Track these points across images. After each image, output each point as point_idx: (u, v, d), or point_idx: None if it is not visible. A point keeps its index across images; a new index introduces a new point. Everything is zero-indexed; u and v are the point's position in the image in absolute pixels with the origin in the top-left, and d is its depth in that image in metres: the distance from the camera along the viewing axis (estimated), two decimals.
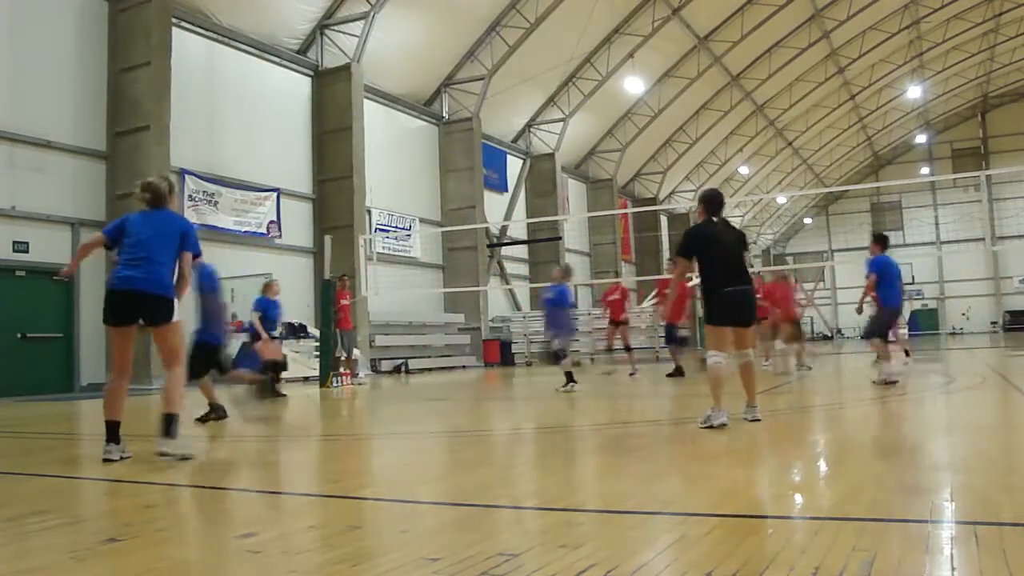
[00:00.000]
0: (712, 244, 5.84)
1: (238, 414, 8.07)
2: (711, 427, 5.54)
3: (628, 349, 13.94)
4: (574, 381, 10.31)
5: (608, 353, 15.72)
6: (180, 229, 5.21)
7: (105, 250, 5.38)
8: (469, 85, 25.09)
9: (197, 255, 5.31)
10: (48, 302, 14.61)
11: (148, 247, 5.04)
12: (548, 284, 11.29)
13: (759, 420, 5.78)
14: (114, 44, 15.88)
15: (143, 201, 5.23)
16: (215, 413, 7.56)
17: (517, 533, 3.05)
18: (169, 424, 4.87)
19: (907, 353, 14.37)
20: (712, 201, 5.99)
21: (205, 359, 7.68)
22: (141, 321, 5.04)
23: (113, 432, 4.93)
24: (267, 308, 10.85)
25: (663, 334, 15.90)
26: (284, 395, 11.01)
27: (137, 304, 4.99)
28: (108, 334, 5.11)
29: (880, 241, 9.87)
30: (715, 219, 5.96)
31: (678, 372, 12.37)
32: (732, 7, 29.20)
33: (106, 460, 4.86)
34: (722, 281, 5.76)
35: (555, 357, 10.79)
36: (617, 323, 13.85)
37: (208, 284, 8.07)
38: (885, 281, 9.52)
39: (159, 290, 5.00)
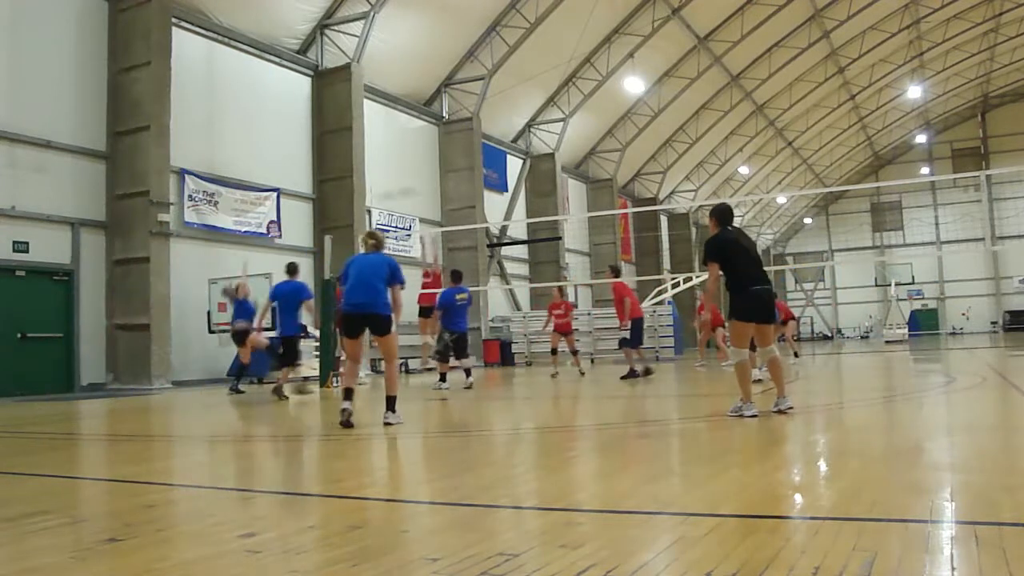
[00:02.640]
0: (734, 249, 6.47)
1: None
2: (741, 416, 6.10)
3: (574, 352, 16.57)
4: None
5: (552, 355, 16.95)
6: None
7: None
8: (469, 85, 25.09)
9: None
10: (48, 302, 14.62)
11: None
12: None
13: (792, 408, 6.34)
14: (114, 44, 15.88)
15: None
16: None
17: (517, 533, 3.05)
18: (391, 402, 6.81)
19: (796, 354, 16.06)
20: (724, 213, 6.74)
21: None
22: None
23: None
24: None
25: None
26: (286, 397, 11.15)
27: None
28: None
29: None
30: (730, 228, 6.66)
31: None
32: (732, 7, 29.21)
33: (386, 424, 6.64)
34: (747, 281, 6.34)
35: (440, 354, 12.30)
36: (563, 333, 15.83)
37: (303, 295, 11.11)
38: None
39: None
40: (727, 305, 6.84)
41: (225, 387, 13.57)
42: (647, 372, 13.10)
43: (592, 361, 23.21)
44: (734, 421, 6.21)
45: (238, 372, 13.05)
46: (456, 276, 12.42)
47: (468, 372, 12.39)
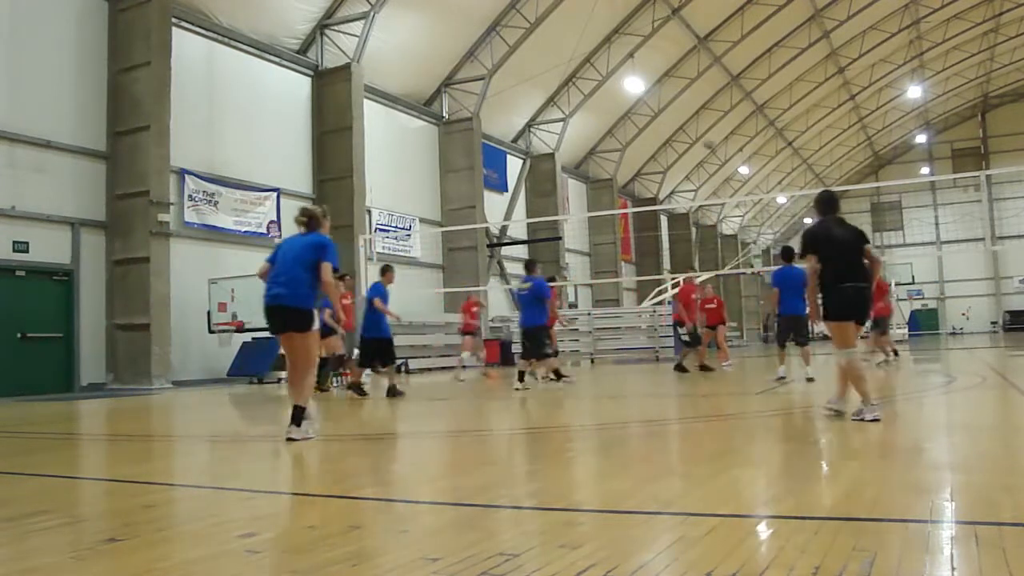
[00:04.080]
0: (825, 241, 5.96)
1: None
2: (862, 420, 5.61)
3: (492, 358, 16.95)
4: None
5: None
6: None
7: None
8: (469, 85, 25.09)
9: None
10: (48, 302, 14.62)
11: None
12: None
13: (878, 420, 5.72)
14: (114, 44, 15.88)
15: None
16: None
17: (517, 533, 3.05)
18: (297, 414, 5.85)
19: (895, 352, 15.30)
20: (821, 202, 6.22)
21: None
22: None
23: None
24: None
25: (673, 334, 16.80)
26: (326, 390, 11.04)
27: None
28: None
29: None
30: (828, 217, 6.12)
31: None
32: (732, 7, 29.20)
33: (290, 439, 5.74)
34: (835, 277, 5.86)
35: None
36: (470, 333, 16.21)
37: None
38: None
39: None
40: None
41: (224, 387, 13.56)
42: (705, 368, 13.57)
43: (592, 361, 23.21)
44: (734, 421, 6.21)
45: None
46: (528, 266, 11.79)
47: (557, 374, 11.55)
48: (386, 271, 11.10)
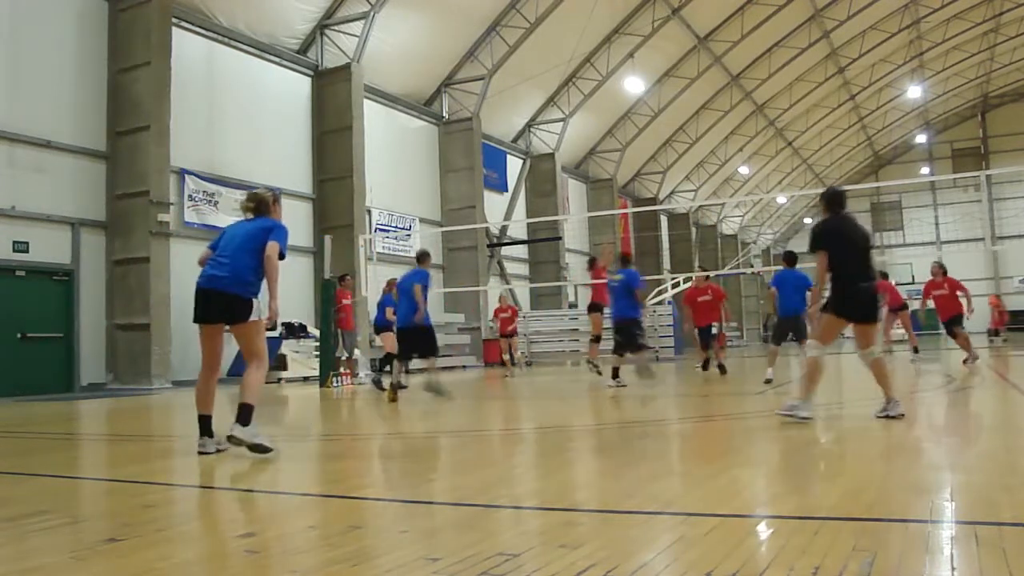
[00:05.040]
0: (838, 237, 5.85)
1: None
2: (793, 416, 5.61)
3: (511, 358, 17.33)
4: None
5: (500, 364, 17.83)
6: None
7: None
8: (469, 85, 25.09)
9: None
10: (48, 302, 14.61)
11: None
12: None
13: (903, 415, 5.75)
14: (114, 44, 15.88)
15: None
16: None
17: (517, 533, 3.05)
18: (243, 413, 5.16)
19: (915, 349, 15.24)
20: (831, 198, 6.07)
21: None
22: None
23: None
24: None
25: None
26: (403, 386, 10.45)
27: None
28: None
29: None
30: (839, 214, 5.99)
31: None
32: (732, 7, 29.20)
33: (201, 452, 5.27)
34: (847, 274, 5.75)
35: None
36: (506, 336, 16.84)
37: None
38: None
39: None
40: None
41: (224, 387, 13.54)
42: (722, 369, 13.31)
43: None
44: (734, 421, 6.21)
45: (380, 365, 12.51)
46: (622, 259, 11.50)
47: (644, 370, 10.93)
48: (425, 258, 10.56)
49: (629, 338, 10.75)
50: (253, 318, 5.23)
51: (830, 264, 5.81)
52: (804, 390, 5.75)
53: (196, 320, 5.34)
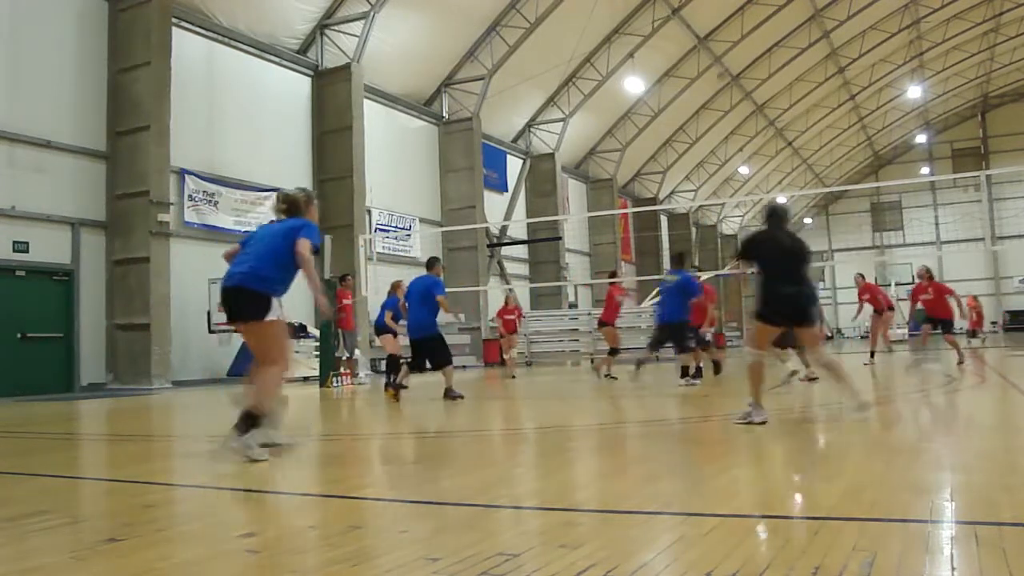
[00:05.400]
0: (768, 246, 6.04)
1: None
2: (751, 423, 5.62)
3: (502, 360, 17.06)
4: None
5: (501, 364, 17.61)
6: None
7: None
8: (469, 85, 25.09)
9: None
10: (48, 302, 14.62)
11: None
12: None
13: (864, 415, 5.90)
14: (114, 44, 15.88)
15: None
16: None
17: (517, 533, 3.05)
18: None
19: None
20: (769, 213, 6.27)
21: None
22: None
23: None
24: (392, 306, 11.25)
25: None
26: (403, 386, 10.09)
27: None
28: None
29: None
30: (774, 226, 6.18)
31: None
32: (732, 7, 29.21)
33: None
34: (774, 280, 5.91)
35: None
36: (511, 334, 16.44)
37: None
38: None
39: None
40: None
41: (223, 387, 13.55)
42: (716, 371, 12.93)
43: (592, 361, 23.20)
44: (725, 422, 6.21)
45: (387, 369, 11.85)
46: (677, 258, 11.21)
47: (690, 372, 10.52)
48: (435, 264, 10.03)
49: (679, 340, 10.47)
50: (270, 317, 4.93)
51: (760, 272, 6.00)
52: (752, 395, 5.80)
53: (228, 322, 5.20)
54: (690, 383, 10.40)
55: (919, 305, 13.59)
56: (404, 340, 10.46)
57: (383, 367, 10.82)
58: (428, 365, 9.68)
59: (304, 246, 4.97)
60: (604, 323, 13.33)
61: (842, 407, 7.53)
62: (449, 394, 9.40)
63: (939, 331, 13.41)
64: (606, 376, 12.69)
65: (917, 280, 13.58)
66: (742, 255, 6.20)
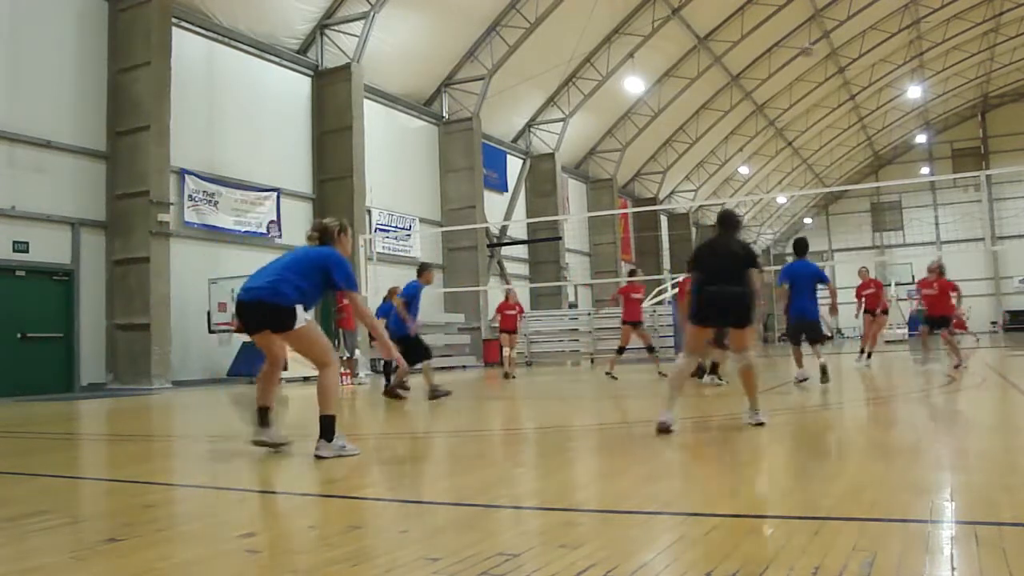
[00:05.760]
0: (703, 253, 6.06)
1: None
2: (668, 431, 5.41)
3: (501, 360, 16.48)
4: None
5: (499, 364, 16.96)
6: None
7: None
8: (469, 85, 25.09)
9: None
10: (48, 302, 14.62)
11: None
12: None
13: (762, 424, 5.66)
14: (114, 44, 15.88)
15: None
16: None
17: (517, 533, 3.05)
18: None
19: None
20: (718, 219, 6.22)
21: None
22: None
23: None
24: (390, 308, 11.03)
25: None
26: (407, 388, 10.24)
27: None
28: None
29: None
30: (720, 233, 6.10)
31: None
32: (732, 7, 29.21)
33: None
34: (703, 282, 5.83)
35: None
36: (511, 332, 15.76)
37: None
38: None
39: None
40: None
41: (223, 387, 13.55)
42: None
43: (592, 361, 23.21)
44: (734, 420, 6.21)
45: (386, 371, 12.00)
46: (800, 245, 10.25)
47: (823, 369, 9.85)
48: (422, 271, 10.26)
49: (815, 334, 9.90)
50: (299, 324, 4.95)
51: (697, 278, 5.95)
52: (666, 399, 5.70)
53: (247, 332, 5.25)
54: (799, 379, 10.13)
55: (920, 303, 13.30)
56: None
57: (381, 367, 10.83)
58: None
59: (353, 299, 5.16)
60: (635, 323, 13.25)
61: (841, 407, 7.54)
62: (431, 395, 9.43)
63: (936, 331, 13.19)
64: (607, 374, 12.86)
65: (927, 273, 13.08)
66: (689, 268, 6.20)
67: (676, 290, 16.76)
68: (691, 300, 5.94)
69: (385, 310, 11.49)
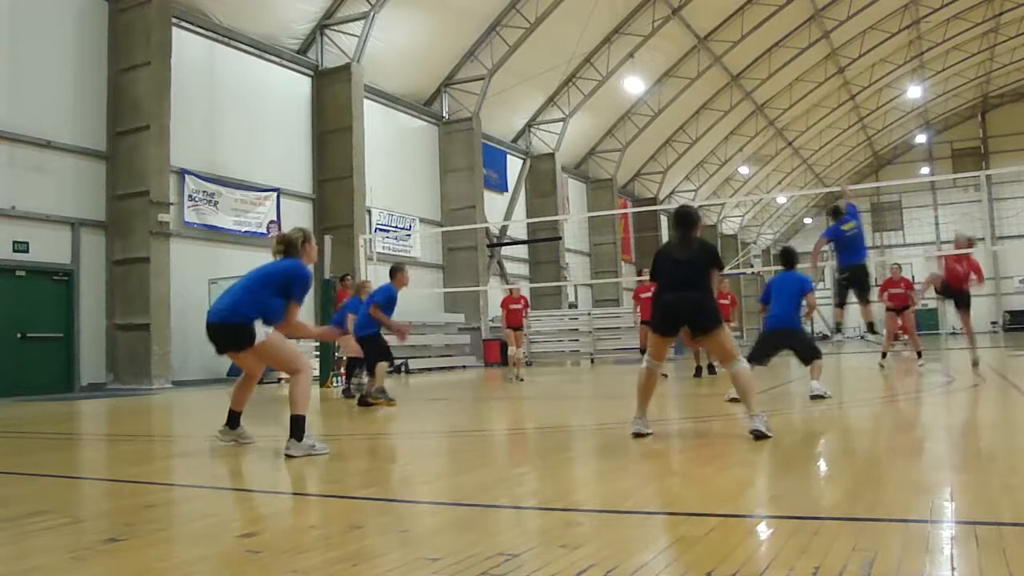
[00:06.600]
0: (663, 258, 5.70)
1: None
2: (638, 435, 5.30)
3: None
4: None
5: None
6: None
7: None
8: (469, 85, 25.10)
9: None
10: (48, 302, 14.62)
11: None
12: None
13: (760, 432, 5.13)
14: (114, 44, 15.89)
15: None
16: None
17: (517, 533, 3.05)
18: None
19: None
20: (676, 219, 5.81)
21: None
22: None
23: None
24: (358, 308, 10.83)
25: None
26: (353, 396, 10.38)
27: None
28: None
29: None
30: (681, 234, 5.70)
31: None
32: (732, 7, 29.21)
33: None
34: (660, 289, 5.62)
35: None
36: (516, 329, 14.67)
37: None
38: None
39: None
40: None
41: (224, 387, 13.55)
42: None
43: (592, 361, 23.21)
44: (734, 420, 6.21)
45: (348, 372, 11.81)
46: (787, 257, 9.39)
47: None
48: (393, 273, 9.81)
49: (798, 345, 8.50)
50: (260, 339, 5.11)
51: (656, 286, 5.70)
52: (638, 404, 5.51)
53: (217, 352, 5.40)
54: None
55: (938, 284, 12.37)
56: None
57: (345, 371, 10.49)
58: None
59: (291, 313, 5.26)
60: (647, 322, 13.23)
61: (841, 407, 7.54)
62: (375, 397, 9.23)
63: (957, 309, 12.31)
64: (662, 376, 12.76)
65: (954, 248, 12.18)
66: (651, 277, 5.86)
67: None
68: (652, 308, 5.73)
69: (353, 306, 11.22)
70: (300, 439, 5.06)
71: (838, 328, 9.90)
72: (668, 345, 5.69)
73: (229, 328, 5.14)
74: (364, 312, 9.70)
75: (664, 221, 40.97)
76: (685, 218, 5.72)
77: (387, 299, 9.50)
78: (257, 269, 5.40)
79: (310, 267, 5.58)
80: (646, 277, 14.30)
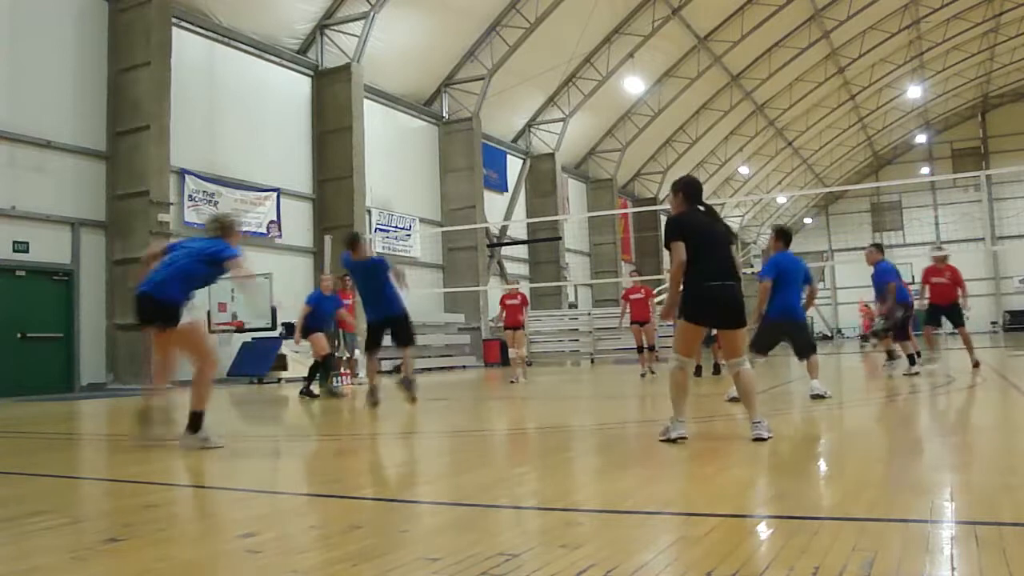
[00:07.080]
0: (703, 233, 5.11)
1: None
2: (670, 440, 4.99)
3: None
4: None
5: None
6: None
7: None
8: (469, 85, 25.09)
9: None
10: (48, 302, 14.62)
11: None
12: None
13: (769, 436, 4.96)
14: (114, 44, 15.88)
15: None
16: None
17: (517, 533, 3.05)
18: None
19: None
20: (689, 185, 5.32)
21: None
22: None
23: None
24: (319, 303, 11.49)
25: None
26: (316, 395, 10.89)
27: None
28: None
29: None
30: (701, 208, 5.26)
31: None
32: (732, 7, 29.20)
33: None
34: (705, 274, 5.04)
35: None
36: (516, 329, 14.28)
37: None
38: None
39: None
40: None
41: (224, 387, 13.55)
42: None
43: (592, 361, 23.21)
44: (733, 421, 6.21)
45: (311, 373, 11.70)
46: (785, 235, 9.08)
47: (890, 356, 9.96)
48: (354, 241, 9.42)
49: (803, 339, 8.25)
50: (184, 321, 5.47)
51: (688, 263, 5.05)
52: (678, 408, 5.13)
53: (139, 325, 5.69)
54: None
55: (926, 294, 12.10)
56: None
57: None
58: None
59: (234, 263, 5.57)
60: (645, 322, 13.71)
61: (841, 407, 7.54)
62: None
63: (939, 329, 12.46)
64: (651, 372, 13.48)
65: (931, 262, 12.01)
66: (677, 237, 5.13)
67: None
68: (683, 294, 5.10)
69: (315, 299, 11.74)
70: (195, 432, 5.38)
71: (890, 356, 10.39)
72: (700, 338, 5.26)
73: (156, 302, 5.41)
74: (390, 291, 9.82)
75: (664, 221, 41.00)
76: (696, 189, 5.28)
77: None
78: (185, 249, 5.68)
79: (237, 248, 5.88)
80: (637, 278, 14.43)
